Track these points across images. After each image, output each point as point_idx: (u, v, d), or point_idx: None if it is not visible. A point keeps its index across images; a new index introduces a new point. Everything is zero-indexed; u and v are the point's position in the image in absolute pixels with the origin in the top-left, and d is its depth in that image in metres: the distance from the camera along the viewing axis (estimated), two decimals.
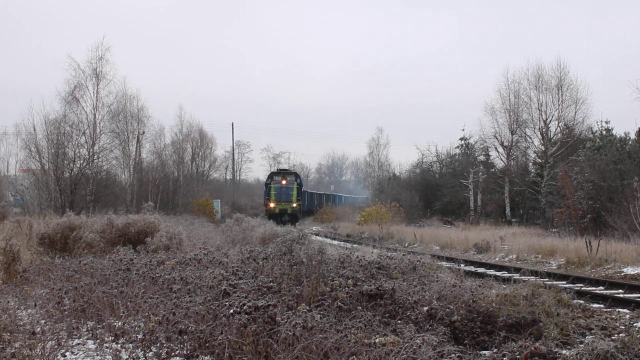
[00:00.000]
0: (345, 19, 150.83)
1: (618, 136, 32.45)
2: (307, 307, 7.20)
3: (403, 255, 13.67)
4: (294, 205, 50.04)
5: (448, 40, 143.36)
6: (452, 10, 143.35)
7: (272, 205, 49.73)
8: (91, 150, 35.00)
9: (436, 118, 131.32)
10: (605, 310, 10.75)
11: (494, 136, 42.50)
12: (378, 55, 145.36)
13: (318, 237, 28.33)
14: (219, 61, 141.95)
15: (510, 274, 15.14)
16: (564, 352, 6.42)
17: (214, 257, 11.94)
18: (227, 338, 6.11)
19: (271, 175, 53.94)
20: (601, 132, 34.95)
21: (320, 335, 5.92)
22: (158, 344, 6.65)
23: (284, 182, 51.32)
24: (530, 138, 41.94)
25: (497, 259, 20.97)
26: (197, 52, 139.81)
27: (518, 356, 6.06)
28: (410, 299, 8.53)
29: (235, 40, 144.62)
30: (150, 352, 6.51)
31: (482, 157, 48.64)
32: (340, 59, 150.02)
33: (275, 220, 39.57)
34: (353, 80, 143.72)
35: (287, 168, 63.86)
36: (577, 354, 5.86)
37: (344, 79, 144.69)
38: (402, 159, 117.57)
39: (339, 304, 7.80)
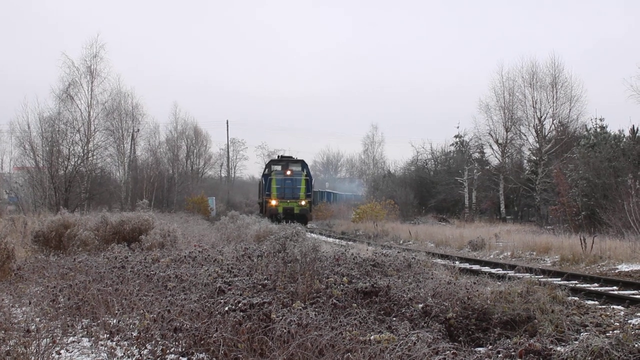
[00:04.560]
0: (335, 13, 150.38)
1: (612, 133, 32.61)
2: (302, 305, 7.20)
3: (398, 252, 13.66)
4: (303, 203, 38.17)
5: (447, 38, 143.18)
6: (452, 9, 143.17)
7: (273, 202, 37.88)
8: (86, 147, 34.97)
9: (431, 115, 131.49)
10: (599, 307, 10.78)
11: (489, 133, 42.80)
12: (369, 54, 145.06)
13: (313, 235, 28.34)
14: (206, 58, 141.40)
15: (505, 271, 15.18)
16: (558, 348, 6.44)
17: (208, 255, 11.92)
18: (222, 335, 6.11)
19: (270, 164, 41.47)
20: (595, 129, 35.11)
21: (315, 333, 5.92)
22: (153, 342, 6.65)
23: (288, 172, 38.79)
24: (525, 135, 42.23)
25: (491, 256, 21.01)
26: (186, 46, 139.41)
27: (513, 353, 6.07)
28: (405, 296, 8.53)
29: (209, 36, 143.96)
30: (145, 350, 6.50)
31: (476, 155, 48.87)
32: (334, 58, 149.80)
33: (271, 219, 32.71)
34: (349, 80, 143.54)
35: (290, 155, 45.66)
36: (571, 351, 5.88)
37: (340, 78, 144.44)
38: (397, 156, 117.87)
39: (334, 301, 7.80)
